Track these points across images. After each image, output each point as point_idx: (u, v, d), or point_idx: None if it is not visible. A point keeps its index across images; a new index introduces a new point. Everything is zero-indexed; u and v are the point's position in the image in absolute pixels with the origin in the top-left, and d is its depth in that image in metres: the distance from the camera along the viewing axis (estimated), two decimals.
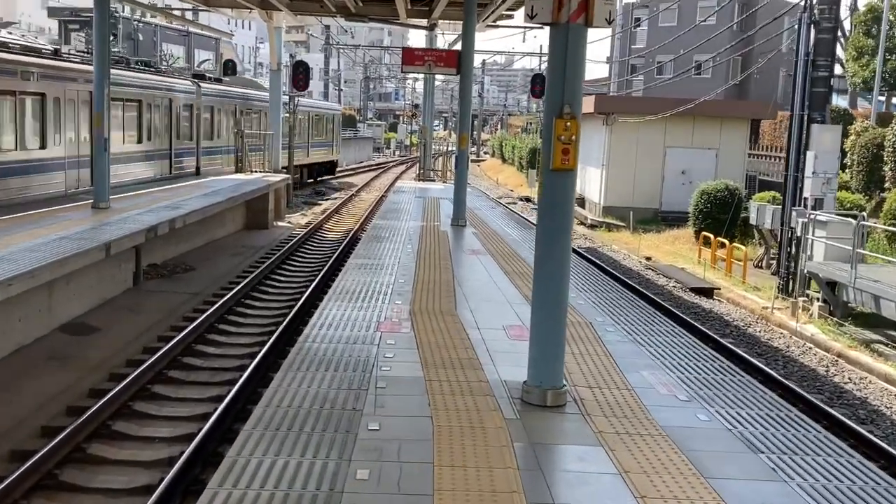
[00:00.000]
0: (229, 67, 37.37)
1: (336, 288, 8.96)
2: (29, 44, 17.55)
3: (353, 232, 22.35)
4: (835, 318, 15.51)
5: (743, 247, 21.47)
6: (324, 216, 26.07)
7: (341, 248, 19.20)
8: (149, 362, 10.02)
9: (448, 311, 7.85)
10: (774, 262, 21.17)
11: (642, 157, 29.96)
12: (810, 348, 13.40)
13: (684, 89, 44.23)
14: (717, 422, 5.18)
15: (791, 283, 17.84)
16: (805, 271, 16.43)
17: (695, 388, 5.84)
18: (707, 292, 17.17)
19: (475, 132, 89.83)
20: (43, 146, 16.45)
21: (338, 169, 43.89)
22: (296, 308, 12.74)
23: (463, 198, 14.81)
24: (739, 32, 46.56)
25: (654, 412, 5.25)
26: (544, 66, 61.63)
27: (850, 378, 11.39)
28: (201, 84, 24.43)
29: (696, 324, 13.15)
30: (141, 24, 52.41)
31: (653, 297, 14.80)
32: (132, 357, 10.65)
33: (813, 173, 17.43)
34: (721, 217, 24.60)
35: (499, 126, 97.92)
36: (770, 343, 13.19)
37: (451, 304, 8.19)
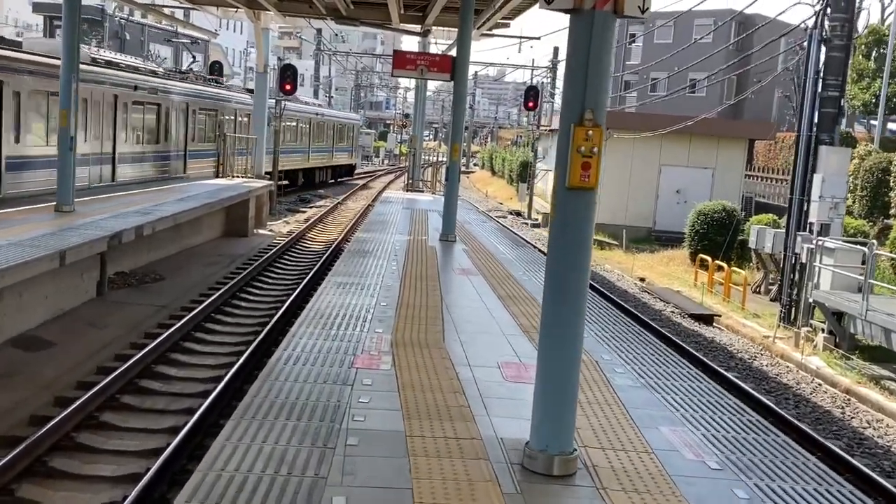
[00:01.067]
0: (215, 69, 36.42)
1: (310, 310, 8.00)
2: None
3: (336, 242, 21.39)
4: (840, 351, 14.67)
5: (742, 271, 20.64)
6: (307, 225, 25.11)
7: (323, 259, 18.24)
8: (101, 385, 9.03)
9: (435, 343, 6.91)
10: (774, 287, 20.38)
11: (637, 175, 29.18)
12: (819, 385, 12.53)
13: (678, 107, 43.60)
14: (760, 502, 4.26)
15: (794, 311, 17.01)
16: (811, 300, 15.60)
17: (725, 452, 4.92)
18: (706, 319, 16.31)
19: (465, 143, 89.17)
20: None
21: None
22: (266, 329, 11.76)
23: (453, 212, 13.89)
24: (735, 52, 46.06)
25: (682, 486, 4.32)
26: (536, 79, 60.96)
27: (867, 421, 10.51)
28: (200, 87, 23.74)
29: (702, 357, 12.27)
30: (127, 23, 51.46)
31: (656, 326, 13.91)
32: (84, 378, 9.64)
33: (820, 197, 16.62)
34: (718, 239, 23.81)
35: (489, 138, 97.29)
36: (778, 379, 12.32)
37: (439, 334, 7.25)
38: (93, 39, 45.08)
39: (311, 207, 31.94)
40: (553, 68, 45.01)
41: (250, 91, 29.81)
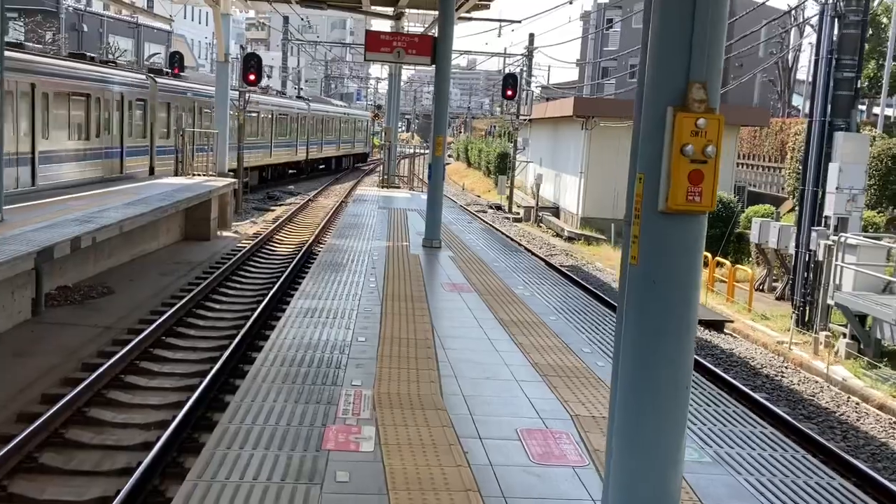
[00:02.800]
0: (176, 60, 34.41)
1: (269, 350, 6.33)
2: None
3: (306, 245, 19.66)
4: (866, 358, 13.27)
5: (747, 268, 19.20)
6: (275, 225, 23.33)
7: (292, 265, 16.51)
8: (15, 442, 7.31)
9: (430, 401, 5.28)
10: (780, 285, 18.97)
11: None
12: (857, 404, 11.07)
13: None
14: None
15: (808, 313, 15.59)
16: (832, 303, 14.16)
17: None
18: (717, 325, 14.82)
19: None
20: None
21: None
22: (220, 363, 10.06)
23: (438, 215, 12.25)
24: None
25: None
26: (510, 68, 59.24)
27: None
28: (157, 79, 21.77)
29: (724, 374, 10.74)
30: (85, 14, 49.13)
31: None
32: None
33: (837, 188, 15.19)
34: (714, 232, 22.35)
35: (462, 129, 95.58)
36: (812, 399, 10.83)
37: (434, 385, 5.62)
38: (48, 31, 42.89)
39: (279, 205, 30.13)
40: (529, 56, 43.38)
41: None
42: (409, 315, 7.60)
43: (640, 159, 2.71)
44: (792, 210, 25.81)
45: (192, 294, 13.66)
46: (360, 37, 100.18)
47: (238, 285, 15.34)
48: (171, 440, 7.67)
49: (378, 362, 6.08)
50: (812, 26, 46.51)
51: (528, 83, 46.26)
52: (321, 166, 47.49)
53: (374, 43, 11.66)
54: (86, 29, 49.35)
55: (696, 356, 11.80)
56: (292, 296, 10.23)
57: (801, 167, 25.61)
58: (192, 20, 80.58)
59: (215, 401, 8.88)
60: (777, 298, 18.74)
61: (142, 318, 12.47)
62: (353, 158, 54.43)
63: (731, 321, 15.12)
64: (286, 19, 50.44)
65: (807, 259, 15.73)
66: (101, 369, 9.53)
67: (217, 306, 13.65)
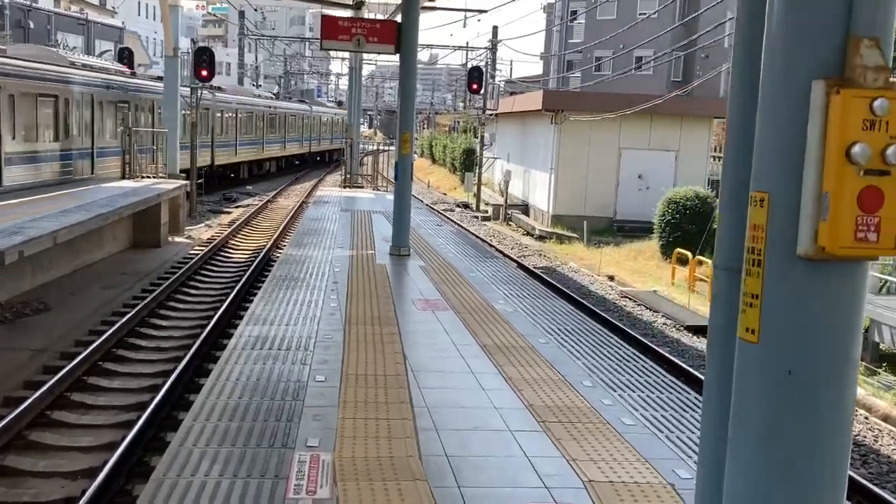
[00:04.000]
0: (125, 57, 32.85)
1: (206, 399, 5.18)
2: None
3: (264, 251, 18.43)
4: (863, 364, 12.46)
5: None
6: (231, 228, 22.03)
7: (247, 275, 15.30)
8: None
9: (406, 468, 4.17)
10: None
11: (595, 160, 26.78)
12: (866, 418, 10.19)
13: (624, 87, 41.43)
14: None
15: None
16: None
17: None
18: (703, 330, 13.89)
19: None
20: None
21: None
22: (162, 393, 8.87)
23: (406, 219, 11.12)
24: (681, 26, 44.05)
25: None
26: (472, 63, 58.18)
27: None
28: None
29: None
30: (31, 11, 47.13)
31: (656, 348, 11.41)
32: None
33: None
34: (691, 229, 21.54)
35: (426, 125, 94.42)
36: None
37: (411, 442, 4.52)
38: None
39: (237, 207, 28.77)
40: (492, 49, 42.36)
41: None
42: (377, 343, 6.49)
43: (760, 168, 1.65)
44: None
45: (135, 310, 12.42)
46: (319, 32, 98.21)
47: (187, 298, 14.10)
48: (98, 494, 6.51)
49: (340, 410, 4.96)
50: None
51: (493, 77, 45.30)
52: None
53: (332, 29, 10.49)
54: (32, 26, 47.37)
55: (685, 367, 10.87)
56: (245, 311, 9.11)
57: None
58: (147, 17, 78.48)
59: (155, 440, 7.72)
60: None
61: (79, 338, 11.22)
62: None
63: None
64: (242, 14, 48.90)
65: None
66: (24, 404, 8.32)
67: (163, 323, 12.42)
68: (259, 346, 6.24)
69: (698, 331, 13.74)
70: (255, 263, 16.49)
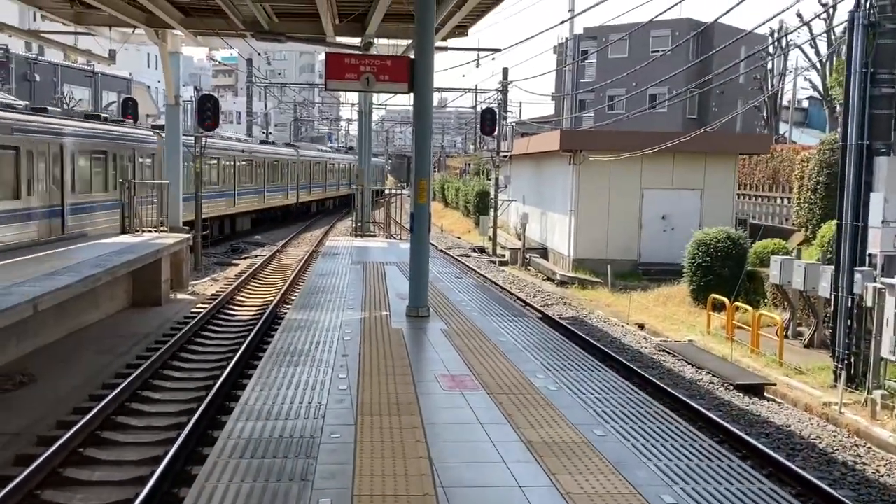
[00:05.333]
0: (129, 107, 32.13)
1: None
2: None
3: (271, 306, 17.27)
4: None
5: (773, 314, 17.02)
6: (237, 282, 20.91)
7: (251, 337, 14.11)
8: None
9: None
10: (808, 332, 16.82)
11: (616, 201, 25.59)
12: None
13: (638, 125, 40.44)
14: None
15: (855, 368, 13.40)
16: (893, 357, 12.00)
17: None
18: (756, 389, 12.57)
19: (410, 174, 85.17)
20: None
21: None
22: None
23: (424, 276, 9.91)
24: (697, 64, 43.10)
25: None
26: (482, 105, 57.41)
27: None
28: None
29: (800, 470, 8.44)
30: (37, 64, 46.78)
31: (707, 413, 10.08)
32: None
33: (882, 222, 13.10)
34: (723, 273, 20.26)
35: (437, 167, 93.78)
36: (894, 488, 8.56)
37: None
38: None
39: (244, 258, 27.69)
40: (503, 91, 41.52)
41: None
42: (396, 443, 5.24)
43: None
44: (803, 244, 23.76)
45: (128, 380, 11.24)
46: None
47: (185, 366, 12.89)
48: None
49: None
50: (799, 47, 45.27)
51: (504, 118, 44.44)
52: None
53: (338, 68, 9.42)
54: (38, 78, 47.01)
55: (739, 432, 9.53)
56: (248, 379, 7.87)
57: (812, 196, 23.72)
58: (156, 69, 78.57)
59: None
60: (805, 346, 16.58)
61: (62, 418, 10.03)
62: (341, 199, 58.63)
63: (773, 384, 12.85)
64: (249, 61, 48.44)
65: (849, 304, 13.57)
66: None
67: (157, 396, 11.22)
68: (250, 454, 5.00)
69: (749, 390, 12.41)
70: (259, 324, 15.31)
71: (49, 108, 19.12)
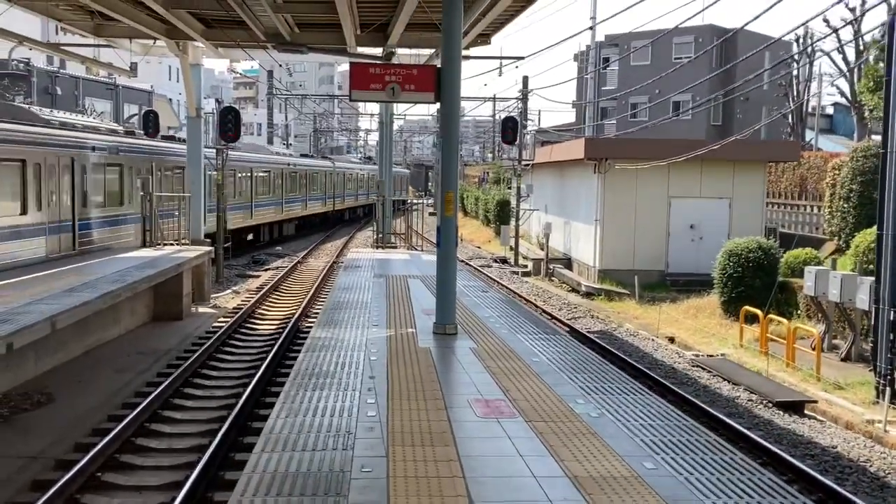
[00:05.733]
0: (150, 120, 32.06)
1: None
2: None
3: (294, 319, 16.98)
4: None
5: (809, 327, 16.51)
6: (259, 295, 20.65)
7: (275, 350, 13.80)
8: None
9: None
10: (845, 345, 16.29)
11: (642, 210, 25.13)
12: None
13: (661, 132, 39.95)
14: None
15: None
16: None
17: None
18: (796, 406, 12.09)
19: (430, 183, 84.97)
20: None
21: None
22: None
23: (452, 293, 9.55)
24: (719, 70, 42.52)
25: None
26: (502, 114, 57.04)
27: None
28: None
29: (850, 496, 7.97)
30: (58, 77, 46.99)
31: (750, 435, 9.63)
32: None
33: None
34: (755, 284, 19.75)
35: None
36: None
37: None
38: (17, 95, 40.56)
39: (266, 270, 27.47)
40: (524, 99, 41.15)
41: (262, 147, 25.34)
42: (431, 477, 4.87)
43: None
44: (835, 253, 23.18)
45: (147, 400, 10.94)
46: (347, 90, 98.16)
47: (207, 382, 12.59)
48: None
49: None
50: (827, 54, 44.57)
51: (525, 126, 44.10)
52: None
53: (362, 79, 9.10)
54: (59, 92, 47.21)
55: (784, 454, 9.07)
56: (271, 397, 7.50)
57: (845, 205, 23.14)
58: (177, 81, 78.87)
59: None
60: (842, 360, 16.05)
61: (80, 440, 9.75)
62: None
63: (814, 401, 12.35)
64: (270, 73, 48.46)
65: (891, 317, 13.07)
66: None
67: (177, 416, 10.91)
68: (276, 490, 4.65)
69: (788, 407, 11.93)
70: (281, 338, 15.01)
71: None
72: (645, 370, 13.08)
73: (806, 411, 12.24)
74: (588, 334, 16.79)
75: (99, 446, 9.08)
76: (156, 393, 11.30)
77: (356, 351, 8.51)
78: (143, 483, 8.54)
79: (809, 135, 44.99)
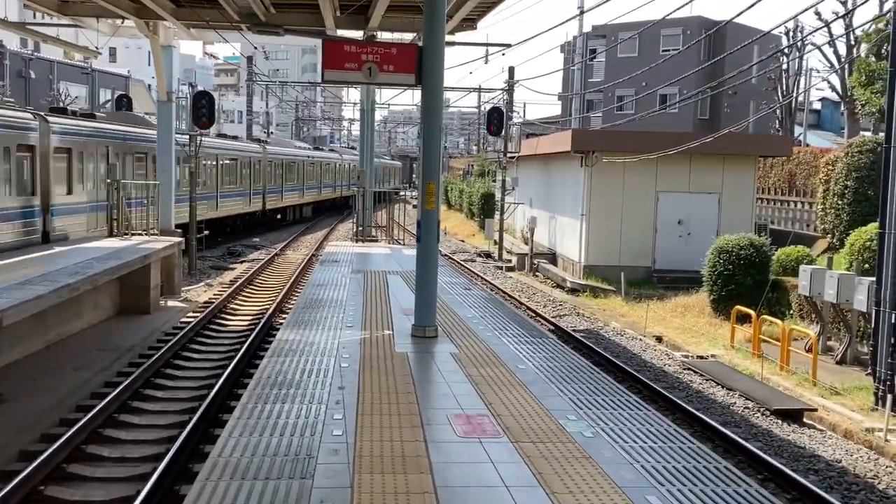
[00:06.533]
0: (123, 104, 31.11)
1: None
2: None
3: (266, 315, 16.19)
4: None
5: (806, 329, 15.90)
6: (232, 288, 19.83)
7: (245, 348, 13.03)
8: None
9: None
10: (841, 347, 15.70)
11: (630, 205, 24.50)
12: None
13: (648, 126, 39.32)
14: None
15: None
16: None
17: None
18: (794, 415, 11.46)
19: (414, 175, 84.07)
20: None
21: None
22: None
23: (432, 293, 8.81)
24: (707, 63, 41.91)
25: None
26: (487, 105, 56.23)
27: None
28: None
29: None
30: (32, 60, 45.73)
31: (754, 450, 8.97)
32: None
33: None
34: (745, 282, 19.15)
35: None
36: None
37: None
38: None
39: (241, 262, 26.61)
40: (509, 90, 40.41)
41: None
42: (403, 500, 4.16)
43: None
44: (827, 251, 22.65)
45: (105, 402, 10.16)
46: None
47: (168, 383, 11.80)
48: None
49: None
50: (818, 48, 44.04)
51: (510, 118, 43.34)
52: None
53: (336, 57, 8.33)
54: (33, 75, 45.97)
55: (782, 466, 8.41)
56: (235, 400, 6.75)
57: (839, 202, 22.61)
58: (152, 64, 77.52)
59: None
60: (837, 363, 15.47)
61: (26, 447, 8.95)
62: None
63: (814, 409, 11.73)
64: (250, 59, 47.36)
65: (892, 320, 12.46)
66: None
67: (136, 420, 10.13)
68: None
69: (787, 415, 11.30)
70: (256, 331, 14.25)
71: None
72: (635, 373, 12.41)
73: (805, 419, 11.62)
74: (574, 333, 16.12)
75: (46, 453, 8.32)
76: (113, 394, 10.52)
77: (326, 356, 7.76)
78: (90, 498, 7.78)
79: (797, 130, 44.56)
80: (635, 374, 12.46)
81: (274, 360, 7.49)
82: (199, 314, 16.64)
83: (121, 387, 10.88)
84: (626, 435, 5.66)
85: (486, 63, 37.15)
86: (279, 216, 40.53)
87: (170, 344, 13.53)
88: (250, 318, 16.87)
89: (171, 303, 18.32)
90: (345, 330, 9.02)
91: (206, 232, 24.70)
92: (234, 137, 36.25)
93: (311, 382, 6.76)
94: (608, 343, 15.80)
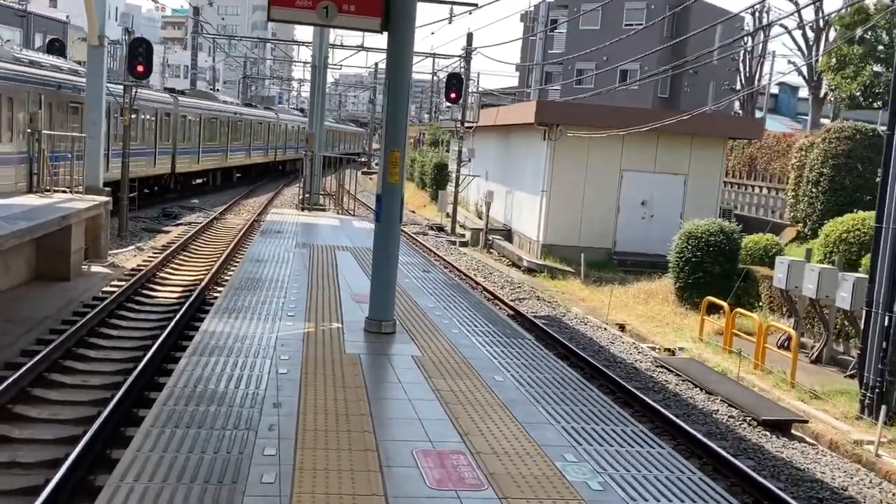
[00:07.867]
0: (55, 48, 28.82)
1: None
2: None
3: (200, 288, 14.65)
4: None
5: (787, 327, 14.94)
6: (165, 254, 18.18)
7: (170, 327, 11.51)
8: None
9: None
10: (818, 345, 14.81)
11: (592, 183, 23.36)
12: None
13: (607, 101, 38.24)
14: None
15: (887, 396, 11.38)
16: None
17: None
18: (782, 426, 10.43)
19: (367, 140, 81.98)
20: None
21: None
22: None
23: (391, 279, 7.43)
24: (669, 40, 40.89)
25: None
26: (441, 73, 54.47)
27: None
28: None
29: None
30: None
31: (749, 472, 7.85)
32: None
33: None
34: (714, 270, 18.18)
35: None
36: None
37: None
38: None
39: (177, 225, 24.83)
40: (467, 57, 38.84)
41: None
42: None
43: None
44: (795, 240, 21.86)
45: (2, 386, 8.62)
46: (282, 31, 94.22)
47: (81, 367, 10.24)
48: None
49: None
50: (786, 29, 43.28)
51: (468, 87, 41.80)
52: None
53: None
54: None
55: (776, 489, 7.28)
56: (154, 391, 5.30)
57: (813, 190, 21.77)
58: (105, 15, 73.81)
59: None
60: (812, 362, 14.59)
61: None
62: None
63: (805, 420, 10.71)
64: (196, 10, 44.88)
65: (886, 323, 11.50)
66: None
67: (34, 414, 8.60)
68: None
69: (776, 427, 10.26)
70: (184, 307, 12.72)
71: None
72: (621, 382, 11.21)
73: (792, 430, 10.62)
74: (536, 321, 14.94)
75: None
76: (14, 377, 8.96)
77: (261, 357, 6.35)
78: None
79: (757, 114, 43.96)
80: (612, 374, 11.29)
81: (195, 362, 6.05)
82: (124, 283, 15.02)
83: (25, 367, 9.34)
84: (642, 487, 4.41)
85: (449, 24, 35.52)
86: (198, 180, 35.56)
87: (90, 315, 11.99)
88: (182, 288, 15.30)
89: (95, 268, 16.63)
90: (285, 321, 7.60)
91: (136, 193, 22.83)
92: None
93: (240, 396, 5.35)
94: (572, 332, 14.66)
